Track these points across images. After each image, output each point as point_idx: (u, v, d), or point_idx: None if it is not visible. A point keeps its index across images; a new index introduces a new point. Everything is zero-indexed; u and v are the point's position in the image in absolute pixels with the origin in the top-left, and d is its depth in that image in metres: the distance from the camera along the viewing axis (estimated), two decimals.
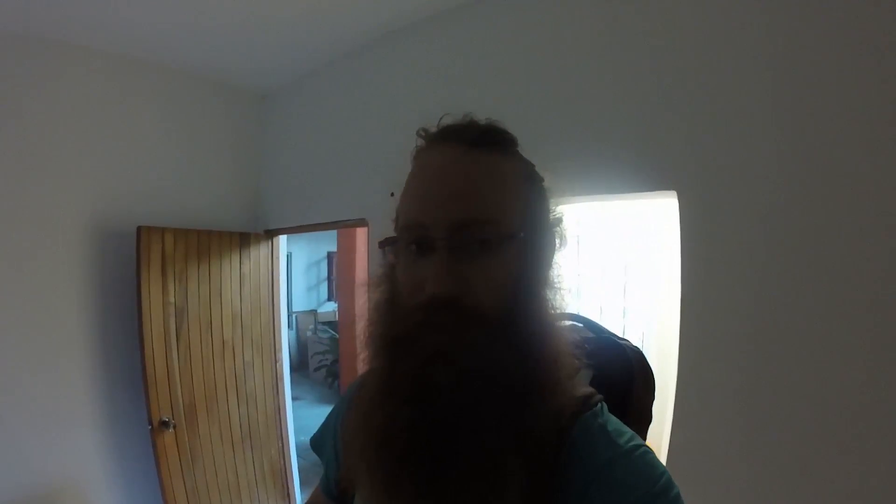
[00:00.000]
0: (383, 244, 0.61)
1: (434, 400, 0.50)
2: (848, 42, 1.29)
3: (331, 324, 8.33)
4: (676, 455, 1.54)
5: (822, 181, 1.33)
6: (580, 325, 0.73)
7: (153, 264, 2.55)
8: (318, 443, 0.82)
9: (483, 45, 2.13)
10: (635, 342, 0.75)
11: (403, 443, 0.51)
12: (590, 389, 0.59)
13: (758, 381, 1.42)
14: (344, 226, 2.85)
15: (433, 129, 0.62)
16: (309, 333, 8.78)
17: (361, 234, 4.41)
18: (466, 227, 0.53)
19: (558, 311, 0.58)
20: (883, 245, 1.24)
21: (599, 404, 0.58)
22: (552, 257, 0.60)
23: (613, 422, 0.56)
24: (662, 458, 1.56)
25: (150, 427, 2.49)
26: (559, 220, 0.62)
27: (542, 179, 0.63)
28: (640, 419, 0.69)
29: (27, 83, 2.32)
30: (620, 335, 0.75)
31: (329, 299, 9.68)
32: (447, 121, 0.62)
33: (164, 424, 2.52)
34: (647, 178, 1.65)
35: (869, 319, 1.26)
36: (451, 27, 2.23)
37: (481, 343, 0.51)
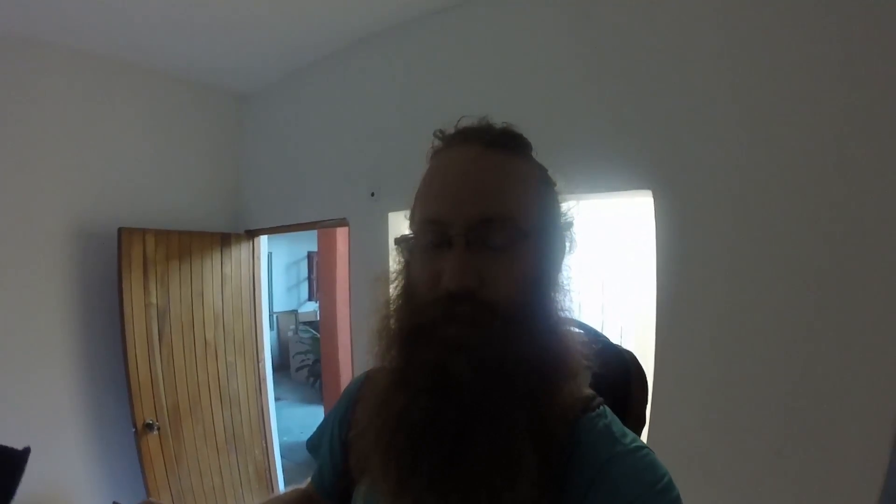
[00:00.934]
0: (400, 241, 0.62)
1: (452, 390, 0.51)
2: (821, 41, 1.33)
3: (312, 324, 8.27)
4: (653, 448, 1.58)
5: (794, 180, 1.37)
6: (578, 329, 0.75)
7: (134, 266, 2.54)
8: (314, 444, 0.83)
9: (460, 47, 2.15)
10: (624, 343, 0.77)
11: (420, 430, 0.52)
12: (591, 392, 0.61)
13: (731, 376, 1.46)
14: (325, 226, 2.87)
15: (449, 132, 0.64)
16: (290, 333, 8.72)
17: (342, 233, 4.40)
18: (484, 223, 0.54)
19: (567, 313, 0.60)
20: (855, 241, 1.29)
21: (602, 406, 0.59)
22: (563, 259, 0.62)
23: (617, 423, 0.58)
24: None
25: (134, 430, 2.48)
26: (570, 224, 0.63)
27: (554, 183, 0.64)
28: (637, 422, 0.71)
29: (5, 84, 2.28)
30: (614, 339, 0.76)
31: (310, 299, 9.61)
32: (465, 122, 0.64)
33: (149, 427, 2.51)
34: (623, 178, 1.69)
35: (839, 314, 1.31)
36: (430, 31, 2.25)
37: (498, 335, 0.52)
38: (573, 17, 1.81)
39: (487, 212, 0.54)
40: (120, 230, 2.49)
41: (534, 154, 0.66)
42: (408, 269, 0.62)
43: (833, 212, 1.32)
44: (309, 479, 0.83)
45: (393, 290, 0.63)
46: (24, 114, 2.35)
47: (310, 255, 9.38)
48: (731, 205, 1.48)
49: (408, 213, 0.64)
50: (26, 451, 0.84)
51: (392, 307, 0.61)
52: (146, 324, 2.57)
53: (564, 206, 0.64)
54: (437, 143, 0.64)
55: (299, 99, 2.91)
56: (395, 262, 0.65)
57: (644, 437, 1.59)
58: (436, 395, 0.52)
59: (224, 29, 2.38)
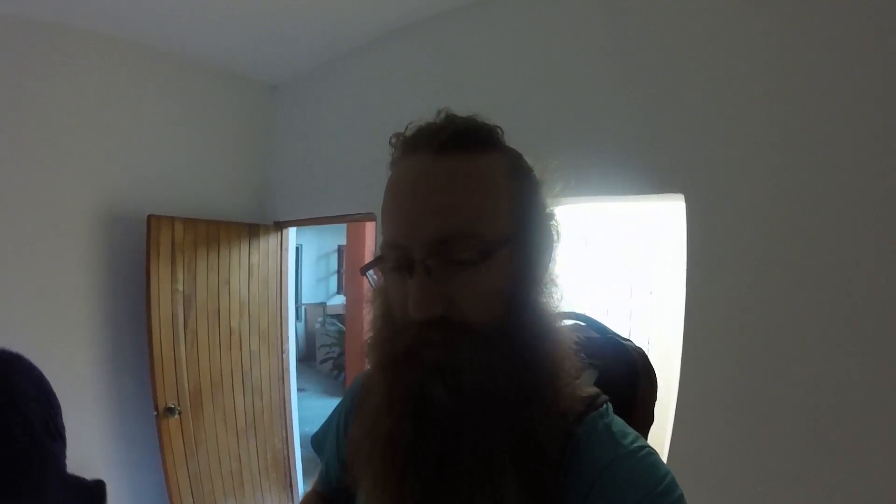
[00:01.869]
0: (365, 269, 0.58)
1: (431, 415, 0.51)
2: (857, 42, 1.28)
3: (339, 317, 8.36)
4: (677, 457, 1.55)
5: (829, 186, 1.32)
6: (583, 324, 0.72)
7: (162, 253, 2.58)
8: (319, 441, 0.82)
9: (492, 42, 2.12)
10: (640, 343, 0.75)
11: (404, 456, 0.51)
12: (595, 390, 0.59)
13: (761, 386, 1.42)
14: (352, 220, 2.86)
15: (404, 136, 0.58)
16: (317, 325, 8.82)
17: (370, 227, 4.42)
18: (443, 243, 0.50)
19: (558, 309, 0.57)
20: (892, 248, 1.23)
21: (605, 405, 0.57)
22: (549, 253, 0.58)
23: (618, 423, 0.56)
24: (663, 459, 1.54)
25: (155, 413, 2.52)
26: (552, 216, 0.58)
27: (530, 170, 0.59)
28: (644, 420, 0.69)
29: (38, 69, 2.33)
30: (624, 335, 0.74)
31: (338, 292, 9.71)
32: (414, 126, 0.57)
33: (170, 411, 2.55)
34: (654, 180, 1.64)
35: (874, 324, 1.25)
36: (464, 24, 2.22)
37: (474, 357, 0.50)
38: (605, 17, 1.77)
39: (444, 231, 0.50)
40: (149, 217, 2.53)
41: (505, 140, 0.59)
42: (385, 290, 0.59)
43: (871, 218, 1.26)
44: (315, 481, 0.81)
45: (375, 309, 0.61)
46: (57, 99, 2.40)
47: (340, 249, 9.47)
48: (766, 210, 1.42)
49: None
50: (100, 485, 0.83)
51: (374, 327, 0.60)
52: (172, 309, 2.62)
53: (545, 194, 0.59)
54: (393, 150, 0.59)
55: (329, 90, 2.92)
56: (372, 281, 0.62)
57: (667, 443, 1.56)
58: (417, 419, 0.51)
59: (257, 19, 2.39)
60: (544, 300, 0.56)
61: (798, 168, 1.36)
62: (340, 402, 0.79)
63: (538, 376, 0.52)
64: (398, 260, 0.53)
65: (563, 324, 0.59)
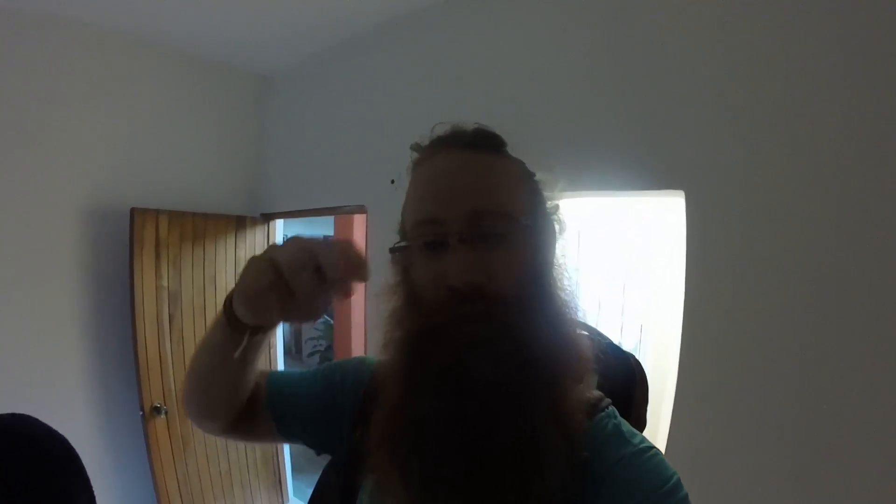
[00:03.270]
0: (395, 250, 0.61)
1: (474, 388, 0.51)
2: (859, 40, 1.27)
3: None
4: (674, 454, 1.54)
5: (831, 184, 1.31)
6: (584, 331, 0.72)
7: (147, 247, 2.51)
8: (293, 384, 0.76)
9: (488, 36, 2.08)
10: (632, 344, 0.77)
11: (443, 434, 0.51)
12: (599, 393, 0.62)
13: (759, 384, 1.42)
14: (343, 212, 2.81)
15: (425, 142, 0.64)
16: None
17: (359, 219, 4.36)
18: (482, 218, 0.55)
19: (569, 301, 0.60)
20: (893, 247, 1.23)
21: (610, 407, 0.60)
22: (556, 244, 0.63)
23: (625, 423, 0.58)
24: None
25: (141, 413, 2.46)
26: (556, 209, 0.64)
27: (533, 174, 0.65)
28: (638, 424, 0.69)
29: (19, 60, 2.24)
30: (616, 340, 0.76)
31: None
32: (440, 130, 0.63)
33: (157, 411, 2.50)
34: (655, 177, 1.63)
35: (874, 322, 1.26)
36: (459, 16, 2.17)
37: (513, 328, 0.52)
38: (606, 11, 1.73)
39: (480, 205, 0.55)
40: (133, 211, 2.45)
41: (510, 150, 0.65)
42: (407, 278, 0.61)
43: (872, 215, 1.26)
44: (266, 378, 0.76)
45: (395, 301, 0.61)
46: (39, 91, 2.31)
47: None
48: (766, 207, 1.41)
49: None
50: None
51: (396, 318, 0.60)
52: (157, 307, 2.55)
53: (549, 197, 0.64)
54: (415, 155, 0.64)
55: (321, 82, 2.85)
56: (391, 273, 0.63)
57: (663, 440, 1.56)
58: (457, 398, 0.51)
59: (246, 8, 2.32)
60: (563, 284, 0.60)
61: (799, 164, 1.36)
62: (357, 366, 0.75)
63: (569, 350, 0.56)
64: (435, 235, 0.56)
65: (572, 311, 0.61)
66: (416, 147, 0.64)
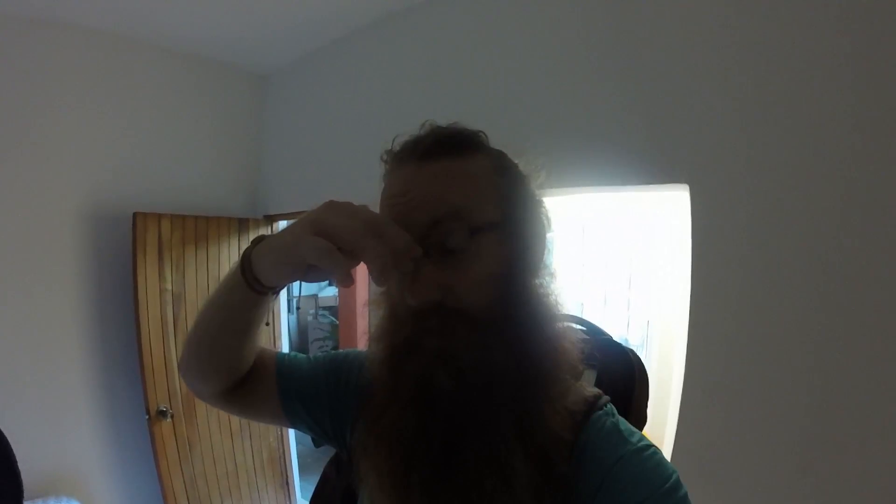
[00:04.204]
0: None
1: (437, 401, 0.51)
2: (869, 30, 1.24)
3: (331, 309, 8.29)
4: (681, 451, 1.53)
5: (838, 177, 1.29)
6: (581, 327, 0.73)
7: (149, 251, 2.50)
8: (300, 362, 0.77)
9: (487, 28, 2.05)
10: (638, 340, 0.76)
11: (410, 444, 0.52)
12: (597, 390, 0.61)
13: (767, 380, 1.40)
14: None
15: (392, 151, 0.62)
16: (310, 318, 8.75)
17: None
18: (434, 226, 0.53)
19: (557, 297, 0.59)
20: None
21: (608, 404, 0.59)
22: (542, 243, 0.60)
23: (623, 422, 0.58)
24: (667, 452, 1.55)
25: (147, 416, 2.46)
26: (540, 204, 0.61)
27: (514, 165, 0.62)
28: (639, 420, 0.71)
29: (19, 64, 2.24)
30: (615, 337, 0.76)
31: (330, 284, 9.63)
32: (400, 141, 0.61)
33: (162, 414, 2.49)
34: (659, 171, 1.61)
35: (883, 317, 1.23)
36: (456, 9, 2.15)
37: (471, 341, 0.52)
38: (609, 3, 1.71)
39: (434, 215, 0.54)
40: (135, 215, 2.45)
41: (488, 142, 0.63)
42: (387, 291, 0.61)
43: (880, 209, 1.24)
44: (276, 357, 0.77)
45: (382, 311, 0.61)
46: (39, 95, 2.31)
47: None
48: (773, 201, 1.39)
49: None
50: None
51: (380, 328, 0.61)
52: (161, 309, 2.54)
53: (533, 186, 0.61)
54: (384, 166, 0.63)
55: (319, 80, 2.84)
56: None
57: (671, 437, 1.55)
58: (422, 408, 0.52)
59: (244, 7, 2.30)
60: (541, 286, 0.58)
61: (807, 157, 1.33)
62: (355, 358, 0.76)
63: (538, 357, 0.54)
64: None
65: (559, 313, 0.60)
66: (384, 157, 0.62)
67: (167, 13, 2.36)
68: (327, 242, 0.47)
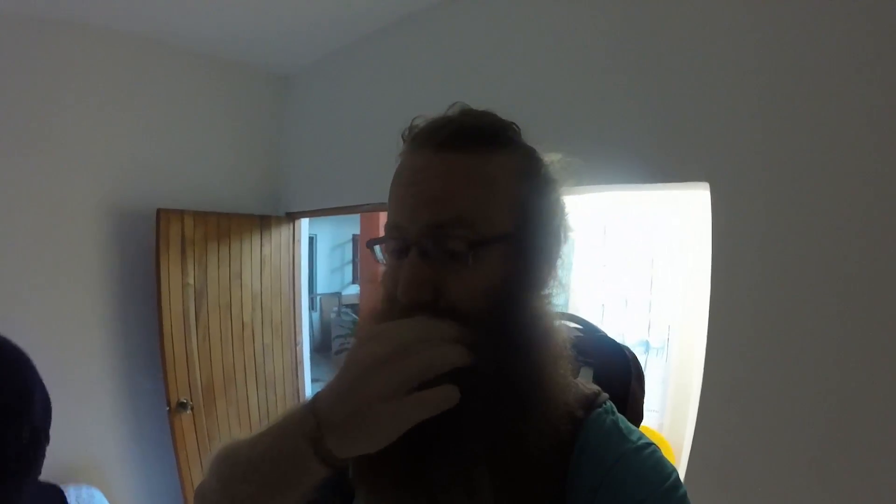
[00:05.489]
0: (370, 244, 0.60)
1: None
2: (890, 31, 1.19)
3: (354, 307, 8.38)
4: (700, 454, 1.50)
5: (864, 176, 1.23)
6: (577, 325, 0.74)
7: (172, 247, 2.56)
8: None
9: (506, 28, 2.04)
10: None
11: (407, 447, 0.49)
12: (596, 387, 0.61)
13: (788, 383, 1.35)
14: (365, 210, 2.81)
15: (412, 128, 0.60)
16: (332, 315, 8.86)
17: (384, 217, 4.38)
18: (438, 229, 0.52)
19: (555, 310, 0.58)
20: None
21: (607, 402, 0.59)
22: (555, 254, 0.57)
23: (622, 419, 0.58)
24: (685, 457, 1.53)
25: (167, 409, 2.51)
26: (563, 212, 0.58)
27: (541, 170, 0.58)
28: (635, 417, 0.70)
29: (43, 66, 2.31)
30: (611, 334, 0.76)
31: (353, 282, 9.72)
32: (422, 120, 0.59)
33: (182, 406, 2.54)
34: (678, 169, 1.57)
35: None
36: (477, 8, 2.14)
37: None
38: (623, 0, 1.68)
39: (439, 217, 0.52)
40: (158, 211, 2.51)
41: (518, 136, 0.60)
42: (386, 274, 0.59)
43: None
44: None
45: (381, 293, 0.60)
46: (65, 95, 2.38)
47: (354, 238, 9.46)
48: (795, 200, 1.34)
49: None
50: (58, 491, 0.91)
51: (377, 312, 0.60)
52: (182, 304, 2.60)
53: (557, 192, 0.58)
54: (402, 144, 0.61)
55: (339, 79, 2.86)
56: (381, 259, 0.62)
57: (689, 440, 1.52)
58: None
59: (265, 8, 2.33)
60: (541, 303, 0.56)
61: (827, 155, 1.28)
62: None
63: (526, 372, 0.51)
64: (397, 242, 0.55)
65: (557, 324, 0.59)
66: (405, 135, 0.60)
67: (190, 16, 2.41)
68: (412, 398, 0.44)
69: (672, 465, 0.53)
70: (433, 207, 0.52)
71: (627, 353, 0.73)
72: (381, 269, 0.61)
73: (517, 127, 0.59)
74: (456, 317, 0.51)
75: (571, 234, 0.59)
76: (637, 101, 1.65)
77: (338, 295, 9.45)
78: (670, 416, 2.49)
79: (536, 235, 0.55)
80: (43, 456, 0.78)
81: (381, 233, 0.59)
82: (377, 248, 0.60)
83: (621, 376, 0.70)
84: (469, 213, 0.52)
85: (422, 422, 0.46)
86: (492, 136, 0.56)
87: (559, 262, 0.58)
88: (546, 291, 0.57)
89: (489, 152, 0.55)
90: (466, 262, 0.51)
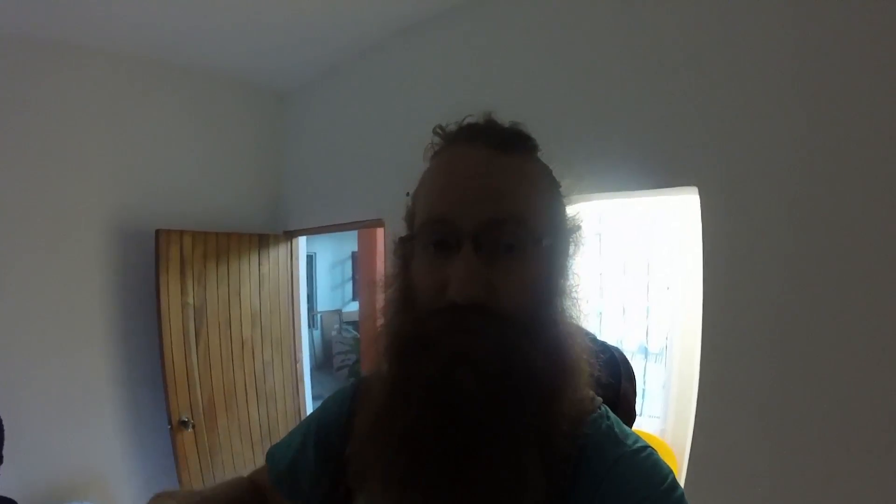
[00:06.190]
0: (403, 240, 0.59)
1: (459, 404, 0.49)
2: (880, 34, 1.21)
3: (355, 324, 8.35)
4: (699, 457, 1.50)
5: (850, 179, 1.25)
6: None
7: (172, 266, 2.58)
8: (296, 450, 0.75)
9: (499, 41, 2.08)
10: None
11: (425, 448, 0.49)
12: (591, 392, 0.60)
13: (782, 385, 1.36)
14: (361, 226, 2.84)
15: (451, 129, 0.59)
16: (333, 333, 8.82)
17: (381, 233, 4.40)
18: (496, 224, 0.51)
19: (573, 319, 0.57)
20: None
21: (602, 406, 0.59)
22: (570, 264, 0.59)
23: (618, 423, 0.58)
24: (684, 461, 1.53)
25: (169, 427, 2.52)
26: (577, 226, 0.60)
27: (559, 185, 0.61)
28: (628, 417, 0.71)
29: (46, 88, 2.36)
30: (601, 336, 0.76)
31: (354, 299, 9.70)
32: (471, 120, 0.59)
33: (184, 424, 2.55)
34: (667, 174, 1.59)
35: None
36: (468, 24, 2.18)
37: (507, 346, 0.50)
38: (620, 9, 1.71)
39: (500, 212, 0.51)
40: (157, 232, 2.54)
41: (540, 154, 0.61)
42: (406, 273, 0.58)
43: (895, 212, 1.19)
44: (260, 470, 0.78)
45: (390, 294, 0.60)
46: (66, 116, 2.43)
47: (354, 255, 9.45)
48: (785, 204, 1.36)
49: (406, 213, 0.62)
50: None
51: (390, 313, 0.59)
52: (183, 322, 2.62)
53: (570, 207, 0.61)
54: (437, 140, 0.60)
55: (337, 97, 2.90)
56: (391, 264, 0.61)
57: (688, 442, 1.52)
58: (441, 411, 0.49)
59: (262, 28, 2.39)
60: (571, 305, 0.57)
61: (820, 160, 1.30)
62: (321, 413, 0.75)
63: (564, 372, 0.53)
64: (445, 235, 0.52)
65: (578, 330, 0.59)
66: (438, 131, 0.60)
67: (189, 36, 2.46)
68: None
69: (669, 467, 0.53)
70: (494, 202, 0.52)
71: (617, 353, 0.73)
72: (391, 270, 0.61)
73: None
74: (504, 315, 0.51)
75: (580, 248, 0.61)
76: (627, 109, 1.68)
77: (338, 312, 9.42)
78: (672, 422, 2.48)
79: (560, 242, 0.58)
80: None
81: (380, 251, 0.59)
82: (401, 246, 0.59)
83: (611, 379, 0.69)
84: (526, 211, 0.53)
85: (464, 417, 0.48)
86: (534, 146, 0.59)
87: (573, 271, 0.59)
88: (566, 298, 0.57)
89: (532, 159, 0.58)
90: (518, 261, 0.52)
